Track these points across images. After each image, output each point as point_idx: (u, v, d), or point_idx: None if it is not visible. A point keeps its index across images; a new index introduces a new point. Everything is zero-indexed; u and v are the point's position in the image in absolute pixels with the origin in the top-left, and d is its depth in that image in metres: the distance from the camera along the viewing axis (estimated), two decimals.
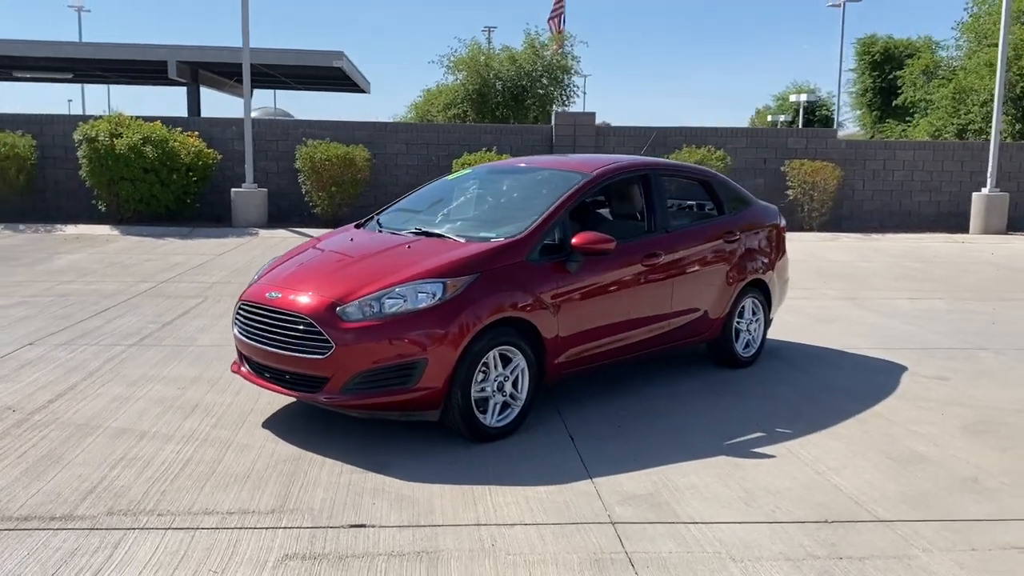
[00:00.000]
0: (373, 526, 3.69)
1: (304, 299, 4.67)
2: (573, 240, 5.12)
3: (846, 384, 6.17)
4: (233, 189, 16.55)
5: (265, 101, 49.38)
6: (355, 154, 16.64)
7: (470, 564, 3.37)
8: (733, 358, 6.51)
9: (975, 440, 4.99)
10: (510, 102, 25.23)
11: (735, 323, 6.48)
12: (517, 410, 4.91)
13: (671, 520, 3.81)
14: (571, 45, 26.83)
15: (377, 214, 6.14)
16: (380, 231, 5.70)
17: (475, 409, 4.68)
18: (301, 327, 4.58)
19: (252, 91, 15.34)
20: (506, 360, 4.83)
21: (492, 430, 4.78)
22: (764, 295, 6.75)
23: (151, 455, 4.46)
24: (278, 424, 5.00)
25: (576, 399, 5.61)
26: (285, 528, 3.65)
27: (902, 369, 6.61)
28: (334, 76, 20.63)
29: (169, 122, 16.93)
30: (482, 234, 5.22)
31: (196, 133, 16.78)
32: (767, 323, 6.86)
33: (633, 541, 3.60)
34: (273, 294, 4.82)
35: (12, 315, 7.90)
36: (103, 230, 15.49)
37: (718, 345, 6.48)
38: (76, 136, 15.88)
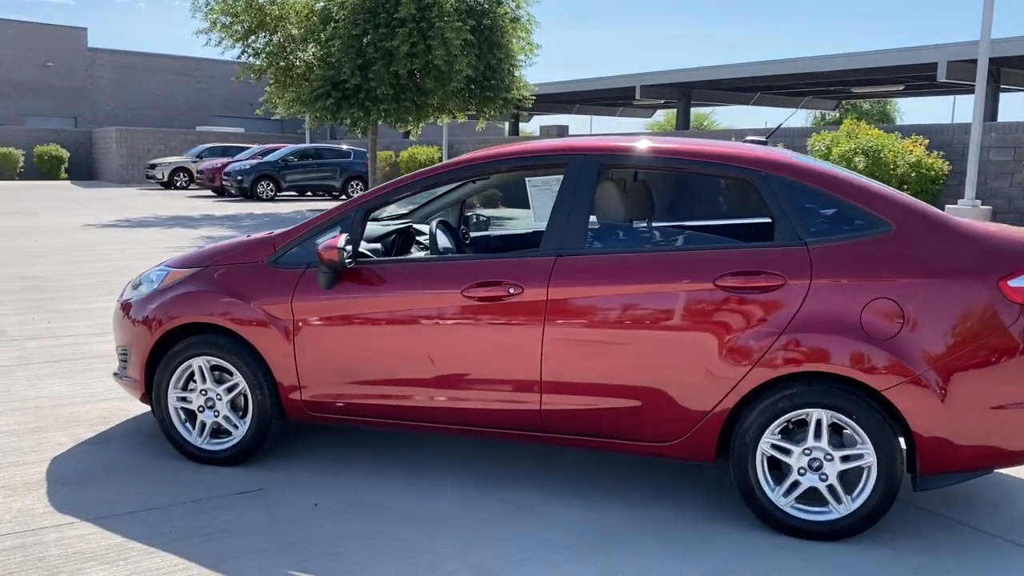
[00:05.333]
0: None
1: None
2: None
3: None
4: (947, 205, 14.00)
5: None
6: None
7: None
8: (762, 508, 3.47)
9: None
10: None
11: (763, 445, 3.44)
12: (235, 440, 4.09)
13: None
14: None
15: None
16: None
17: (174, 419, 4.17)
18: None
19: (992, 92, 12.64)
20: (226, 375, 4.09)
21: (198, 451, 4.14)
22: (879, 411, 3.30)
23: None
24: None
25: (389, 471, 4.13)
26: None
27: None
28: None
29: (920, 131, 15.22)
30: None
31: (925, 141, 14.70)
32: (893, 470, 3.32)
33: None
34: None
35: None
36: None
37: (732, 476, 3.56)
38: (808, 146, 15.91)
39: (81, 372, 5.67)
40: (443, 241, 4.39)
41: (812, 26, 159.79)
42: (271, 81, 21.54)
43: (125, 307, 4.38)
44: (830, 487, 3.38)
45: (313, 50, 20.58)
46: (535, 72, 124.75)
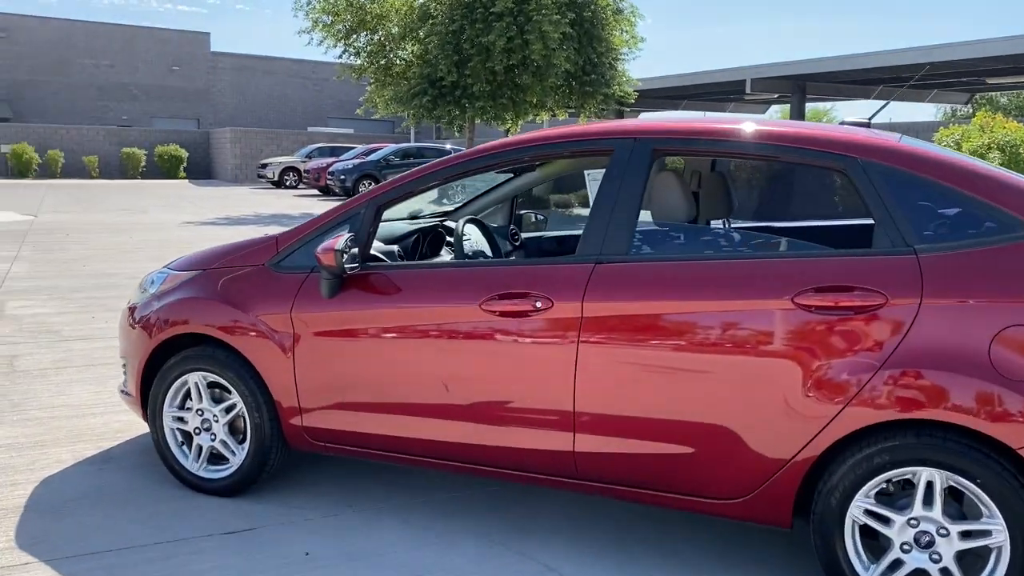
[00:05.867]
0: None
1: None
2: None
3: None
4: None
5: None
6: None
7: None
8: None
9: None
10: None
11: (853, 510, 2.66)
12: (233, 467, 3.57)
13: None
14: None
15: None
16: None
17: (169, 441, 3.69)
18: None
19: None
20: (226, 393, 3.58)
21: (194, 478, 3.65)
22: (1013, 474, 2.47)
23: None
24: None
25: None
26: None
27: None
28: None
29: None
30: None
31: None
32: None
33: None
34: None
35: None
36: None
37: (813, 545, 2.80)
38: (934, 141, 14.57)
39: (112, 379, 5.31)
40: (470, 243, 3.77)
41: (943, 19, 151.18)
42: (371, 80, 21.48)
43: (130, 311, 3.94)
44: (944, 571, 2.57)
45: (411, 48, 20.35)
46: (641, 67, 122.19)
